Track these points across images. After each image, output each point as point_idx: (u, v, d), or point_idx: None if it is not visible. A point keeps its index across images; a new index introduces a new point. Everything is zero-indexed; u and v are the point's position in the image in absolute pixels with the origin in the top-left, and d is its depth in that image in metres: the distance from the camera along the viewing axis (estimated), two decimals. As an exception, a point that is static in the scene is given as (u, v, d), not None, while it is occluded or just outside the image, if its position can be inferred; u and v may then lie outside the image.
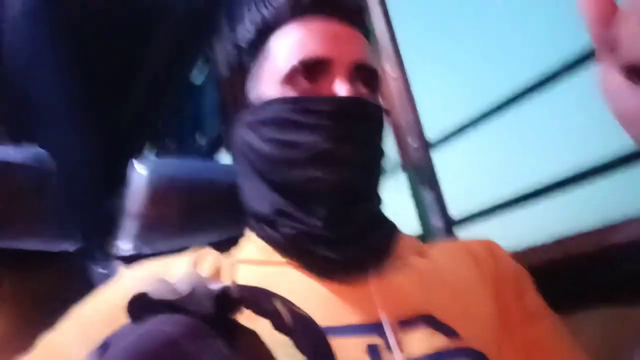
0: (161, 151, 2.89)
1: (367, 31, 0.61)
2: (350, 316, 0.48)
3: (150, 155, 3.01)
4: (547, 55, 0.88)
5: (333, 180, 0.51)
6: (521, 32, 1.02)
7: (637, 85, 0.32)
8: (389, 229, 0.58)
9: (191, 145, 2.49)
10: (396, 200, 1.10)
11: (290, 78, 0.54)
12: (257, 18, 0.59)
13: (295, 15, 0.57)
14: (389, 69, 1.10)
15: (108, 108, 2.45)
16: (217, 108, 2.18)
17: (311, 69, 0.54)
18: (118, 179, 0.82)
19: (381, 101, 0.60)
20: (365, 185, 0.55)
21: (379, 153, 0.58)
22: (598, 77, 0.35)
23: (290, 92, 0.54)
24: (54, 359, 0.43)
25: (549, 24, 0.96)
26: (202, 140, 2.41)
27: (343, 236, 0.52)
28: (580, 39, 0.79)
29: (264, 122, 0.55)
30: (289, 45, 0.56)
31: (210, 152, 2.27)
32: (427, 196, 1.03)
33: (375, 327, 0.47)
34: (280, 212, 0.53)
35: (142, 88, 2.47)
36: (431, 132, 1.08)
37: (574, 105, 0.90)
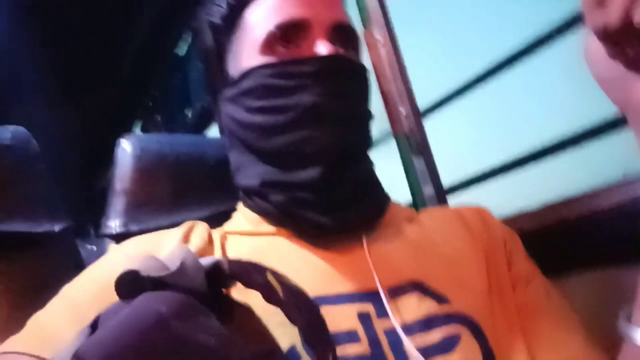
0: (149, 127, 2.85)
1: None
2: (341, 284, 0.48)
3: (137, 132, 2.97)
4: (536, 20, 0.87)
5: (325, 138, 0.51)
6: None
7: (612, 51, 0.33)
8: (381, 196, 0.58)
9: (180, 120, 2.46)
10: (387, 168, 1.10)
11: (268, 45, 0.53)
12: None
13: None
14: (377, 34, 1.08)
15: (94, 84, 2.41)
16: (203, 80, 2.14)
17: (289, 33, 0.53)
18: (106, 158, 0.80)
19: (364, 62, 0.59)
20: (355, 144, 0.54)
21: (366, 112, 0.57)
22: (583, 43, 0.36)
23: (270, 60, 0.53)
24: (44, 338, 0.43)
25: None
26: (192, 117, 2.38)
27: (334, 201, 0.51)
28: (567, 4, 0.78)
29: (246, 93, 0.54)
30: (264, 12, 0.55)
31: (198, 127, 2.24)
32: (418, 164, 1.03)
33: (366, 295, 0.48)
34: (269, 182, 0.52)
35: (129, 63, 2.42)
36: (422, 99, 1.07)
37: (561, 71, 0.89)
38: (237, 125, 0.55)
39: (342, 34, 0.55)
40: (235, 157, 0.58)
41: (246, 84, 0.54)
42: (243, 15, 0.57)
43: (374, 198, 0.56)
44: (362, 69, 0.57)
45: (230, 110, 0.56)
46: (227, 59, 0.59)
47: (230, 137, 0.58)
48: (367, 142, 0.58)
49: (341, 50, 0.54)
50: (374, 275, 0.49)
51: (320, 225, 0.50)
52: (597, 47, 0.35)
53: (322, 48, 0.52)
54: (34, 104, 2.14)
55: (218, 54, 0.60)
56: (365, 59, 0.61)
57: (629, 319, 0.40)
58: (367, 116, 0.57)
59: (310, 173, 0.50)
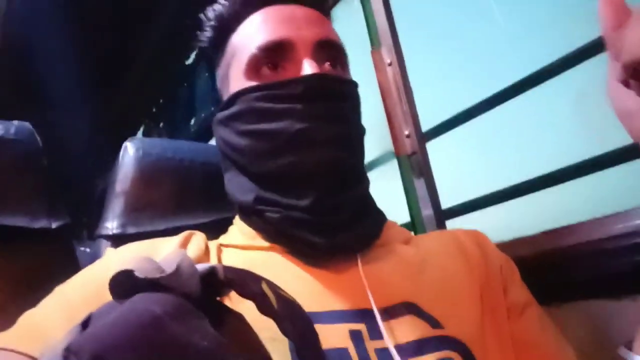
0: (152, 133, 2.86)
1: (327, 11, 0.60)
2: (334, 302, 0.48)
3: (141, 136, 2.98)
4: (544, 51, 0.88)
5: (313, 162, 0.50)
6: (520, 27, 1.02)
7: (636, 84, 0.33)
8: (377, 216, 0.58)
9: (183, 128, 2.47)
10: (387, 188, 1.10)
11: (253, 68, 0.53)
12: (215, 18, 0.58)
13: (251, 7, 0.56)
14: (386, 55, 1.09)
15: (103, 87, 2.43)
16: (210, 90, 2.16)
17: (272, 55, 0.52)
18: (110, 160, 0.81)
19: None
20: (347, 166, 0.53)
21: (357, 129, 0.56)
22: (607, 75, 0.36)
23: (255, 83, 0.53)
24: (35, 336, 0.43)
25: (547, 21, 0.96)
26: (195, 126, 2.39)
27: (329, 221, 0.51)
28: (575, 37, 0.79)
29: (235, 116, 0.54)
30: (247, 35, 0.55)
31: (201, 136, 2.24)
32: (419, 186, 1.03)
33: (358, 314, 0.47)
34: (263, 201, 0.52)
35: (138, 69, 2.44)
36: (426, 122, 1.08)
37: (567, 101, 0.90)
38: (229, 148, 0.55)
39: (328, 50, 0.54)
40: (230, 177, 0.58)
41: (235, 107, 0.54)
42: (230, 39, 0.57)
43: (370, 219, 0.56)
44: (351, 86, 0.56)
45: (222, 132, 0.56)
46: (219, 82, 0.60)
47: (224, 158, 0.58)
48: (360, 160, 0.57)
49: (327, 68, 0.54)
50: (368, 295, 0.48)
51: (314, 245, 0.50)
52: (619, 79, 0.35)
53: (307, 68, 0.51)
54: (44, 101, 2.16)
55: (211, 77, 0.62)
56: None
57: (629, 347, 0.40)
58: (359, 133, 0.57)
59: (302, 197, 0.50)
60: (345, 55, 0.57)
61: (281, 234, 0.52)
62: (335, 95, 0.52)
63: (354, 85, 0.57)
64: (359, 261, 0.51)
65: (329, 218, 0.51)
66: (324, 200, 0.50)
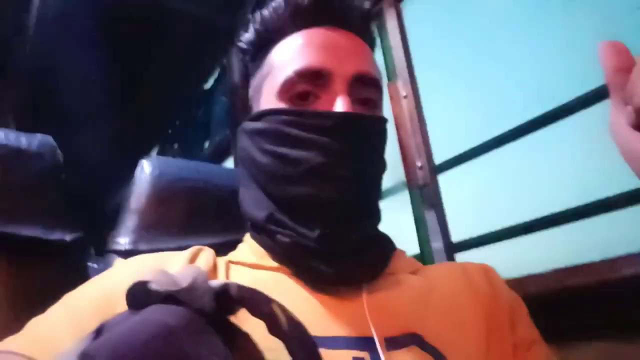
0: (166, 154, 2.90)
1: (372, 40, 0.59)
2: (338, 328, 0.47)
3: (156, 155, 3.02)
4: (559, 90, 0.89)
5: (328, 198, 0.50)
6: (536, 65, 1.03)
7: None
8: (385, 246, 0.57)
9: (197, 150, 2.50)
10: (398, 219, 1.10)
11: (286, 91, 0.52)
12: (260, 22, 0.58)
13: (296, 24, 0.56)
14: (401, 87, 1.10)
15: (122, 106, 2.48)
16: (226, 114, 2.19)
17: (308, 82, 0.52)
18: (125, 178, 0.82)
19: (386, 114, 0.58)
20: (362, 203, 0.53)
21: (378, 169, 0.56)
22: (609, 119, 0.36)
23: (286, 106, 0.53)
24: (41, 341, 0.43)
25: (562, 61, 0.97)
26: (210, 148, 2.43)
27: (338, 252, 0.51)
28: (589, 79, 0.80)
29: (261, 133, 0.54)
30: (286, 56, 0.54)
31: (214, 159, 2.27)
32: (429, 217, 1.03)
33: (362, 341, 0.47)
34: (275, 221, 0.52)
35: (157, 90, 2.49)
36: (439, 154, 1.09)
37: (580, 141, 0.91)
38: (250, 161, 0.56)
39: (364, 84, 0.54)
40: (246, 189, 0.58)
41: (262, 124, 0.54)
42: (270, 51, 0.57)
43: (379, 250, 0.56)
44: (380, 124, 0.56)
45: (245, 143, 0.57)
46: (250, 92, 0.60)
47: (243, 168, 0.58)
48: (376, 196, 0.57)
49: (359, 109, 0.53)
50: (370, 325, 0.48)
51: (320, 273, 0.50)
52: (623, 120, 0.35)
53: (340, 105, 0.51)
54: (65, 117, 2.20)
55: (244, 82, 0.61)
56: (387, 110, 0.60)
57: None
58: (380, 171, 0.56)
59: (312, 226, 0.50)
60: (381, 91, 0.57)
61: (290, 259, 0.52)
62: (363, 135, 0.52)
63: (384, 122, 0.56)
64: (364, 290, 0.51)
65: (335, 247, 0.51)
66: (330, 230, 0.50)
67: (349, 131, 0.51)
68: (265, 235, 0.53)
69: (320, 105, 0.52)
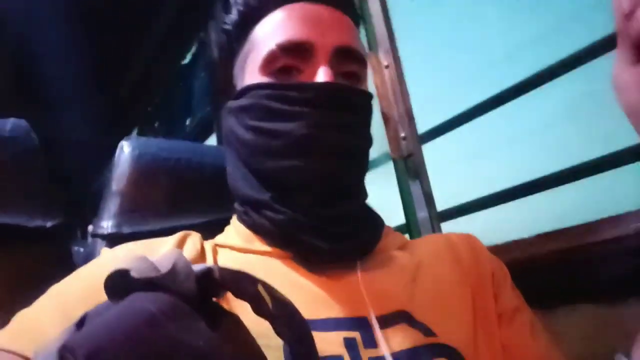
0: (147, 133, 2.85)
1: (356, 15, 0.59)
2: (330, 310, 0.47)
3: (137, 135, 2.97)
4: (542, 55, 0.89)
5: (315, 170, 0.50)
6: (517, 32, 1.02)
7: None
8: (377, 223, 0.57)
9: (179, 129, 2.46)
10: (383, 190, 1.11)
11: (268, 65, 0.52)
12: (243, 2, 0.57)
13: (278, 1, 0.55)
14: (382, 56, 1.09)
15: (99, 86, 2.42)
16: (207, 90, 2.15)
17: (291, 55, 0.52)
18: (106, 160, 0.80)
19: (369, 87, 0.57)
20: (347, 176, 0.53)
21: (365, 142, 0.56)
22: (613, 71, 0.35)
23: (269, 80, 0.52)
24: (29, 334, 0.42)
25: (544, 27, 0.96)
26: (192, 125, 2.39)
27: (332, 228, 0.50)
28: (574, 39, 0.80)
29: (244, 109, 0.53)
30: (269, 30, 0.54)
31: (197, 136, 2.24)
32: (415, 188, 1.03)
33: (353, 321, 0.47)
34: (265, 198, 0.52)
35: (134, 69, 2.44)
36: (422, 124, 1.08)
37: (562, 105, 0.91)
38: (235, 139, 0.55)
39: (348, 57, 0.53)
40: (233, 168, 0.57)
41: (245, 100, 0.53)
42: (253, 29, 0.56)
43: (371, 226, 0.56)
44: (364, 97, 0.55)
45: (230, 122, 0.56)
46: (235, 71, 0.59)
47: (229, 147, 0.58)
48: (362, 172, 0.56)
49: (342, 79, 0.53)
50: (367, 304, 0.48)
51: (317, 249, 0.50)
52: (628, 73, 0.35)
53: (322, 75, 0.50)
54: (42, 100, 2.15)
55: (226, 63, 0.60)
56: (369, 82, 0.60)
57: (627, 355, 0.39)
58: (365, 145, 0.56)
59: (301, 201, 0.50)
60: (365, 65, 0.56)
61: (283, 236, 0.51)
62: (345, 106, 0.52)
63: (368, 96, 0.56)
64: (358, 270, 0.51)
65: (329, 222, 0.51)
66: (320, 204, 0.50)
67: (331, 101, 0.50)
68: (255, 213, 0.53)
69: (303, 78, 0.52)
